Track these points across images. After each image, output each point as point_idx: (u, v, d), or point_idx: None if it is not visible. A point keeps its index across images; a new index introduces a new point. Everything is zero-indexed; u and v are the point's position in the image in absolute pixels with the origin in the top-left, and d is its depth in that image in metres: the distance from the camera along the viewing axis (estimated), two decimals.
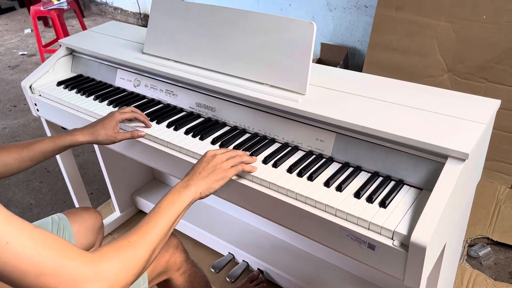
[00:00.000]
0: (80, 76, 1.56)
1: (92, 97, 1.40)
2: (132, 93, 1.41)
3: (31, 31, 4.80)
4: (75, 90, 1.45)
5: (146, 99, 1.37)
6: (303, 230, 0.95)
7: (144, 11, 4.54)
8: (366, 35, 2.78)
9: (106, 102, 1.36)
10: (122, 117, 1.15)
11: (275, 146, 1.10)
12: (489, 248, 1.71)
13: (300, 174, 0.98)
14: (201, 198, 0.91)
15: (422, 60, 2.13)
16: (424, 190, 0.92)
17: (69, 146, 1.11)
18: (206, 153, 0.97)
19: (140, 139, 1.19)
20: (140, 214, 2.00)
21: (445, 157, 0.87)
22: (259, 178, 0.99)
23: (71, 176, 1.76)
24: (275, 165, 1.02)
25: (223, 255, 1.68)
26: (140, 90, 1.39)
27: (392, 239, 0.82)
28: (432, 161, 0.90)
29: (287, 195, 0.95)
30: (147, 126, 1.20)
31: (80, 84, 1.49)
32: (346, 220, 0.88)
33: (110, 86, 1.47)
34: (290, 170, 1.00)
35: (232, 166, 0.96)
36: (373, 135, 0.96)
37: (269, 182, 0.97)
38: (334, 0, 2.89)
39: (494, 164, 2.04)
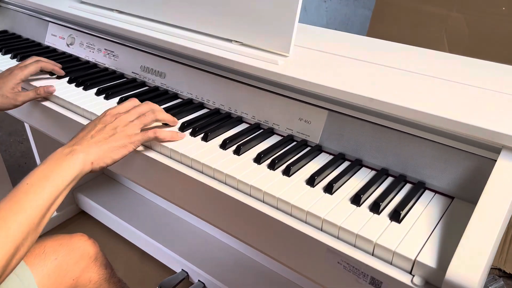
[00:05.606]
0: (4, 32, 1.23)
1: (9, 55, 1.07)
2: (63, 53, 1.08)
3: None
4: None
5: (79, 61, 1.04)
6: (271, 250, 0.62)
7: None
8: (364, 30, 2.51)
9: None
10: (24, 73, 0.86)
11: (241, 127, 0.79)
12: (502, 282, 1.41)
13: (272, 166, 0.67)
14: (93, 170, 0.63)
15: None
16: (456, 199, 0.61)
17: None
18: (105, 112, 0.70)
19: (56, 108, 0.86)
20: (82, 215, 1.65)
21: (495, 149, 0.57)
22: (211, 168, 0.66)
23: None
24: (237, 151, 0.70)
25: (175, 272, 1.34)
26: (74, 50, 1.06)
27: (410, 273, 0.51)
28: (473, 155, 0.59)
29: (250, 195, 0.63)
30: (58, 74, 0.94)
31: (1, 41, 1.16)
32: (338, 238, 0.56)
33: (39, 44, 1.13)
34: (258, 159, 0.68)
35: (142, 130, 0.70)
36: (381, 113, 0.64)
37: (226, 174, 0.65)
38: None
39: None
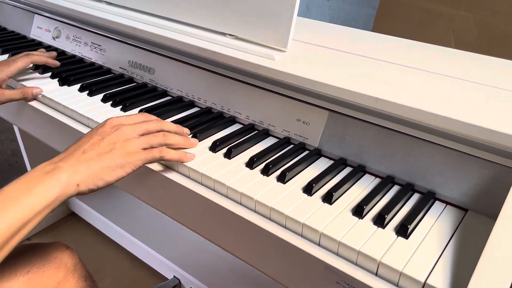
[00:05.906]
0: None
1: None
2: (49, 47, 1.02)
3: None
4: None
5: (65, 55, 0.98)
6: (263, 265, 0.56)
7: None
8: (367, 29, 2.44)
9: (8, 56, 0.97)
10: (11, 69, 0.79)
11: (234, 127, 0.72)
12: None
13: (266, 171, 0.60)
14: (80, 193, 0.53)
15: None
16: (470, 211, 0.54)
17: None
18: (106, 120, 0.60)
19: (36, 105, 0.80)
20: (72, 217, 1.59)
21: None
22: (199, 173, 0.60)
23: None
24: (228, 155, 0.64)
25: (167, 279, 1.28)
26: (60, 44, 1.00)
27: None
28: (490, 163, 0.53)
29: (240, 203, 0.57)
30: (53, 66, 0.86)
31: None
32: (337, 254, 0.50)
33: (24, 37, 1.08)
34: (251, 163, 0.62)
35: (145, 148, 0.58)
36: (388, 115, 0.58)
37: (214, 180, 0.59)
38: None
39: None
